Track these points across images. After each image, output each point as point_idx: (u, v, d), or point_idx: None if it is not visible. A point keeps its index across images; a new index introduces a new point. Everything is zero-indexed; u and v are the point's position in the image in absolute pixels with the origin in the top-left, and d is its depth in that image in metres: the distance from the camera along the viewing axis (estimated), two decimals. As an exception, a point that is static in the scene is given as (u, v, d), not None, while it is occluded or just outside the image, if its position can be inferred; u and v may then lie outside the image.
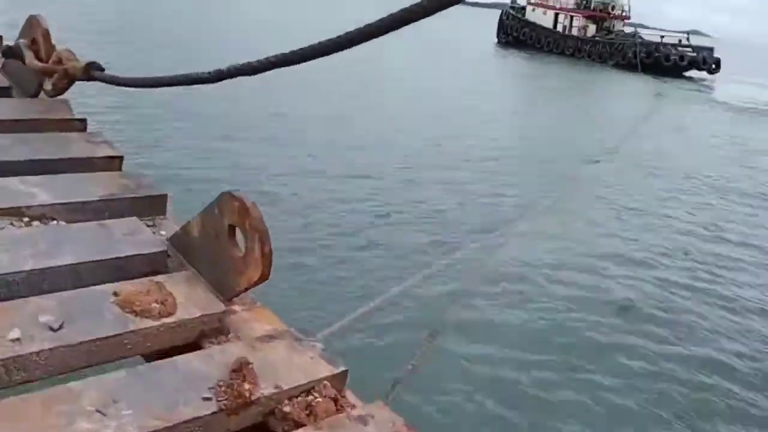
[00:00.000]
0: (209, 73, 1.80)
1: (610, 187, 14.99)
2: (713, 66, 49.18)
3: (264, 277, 1.49)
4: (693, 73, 49.31)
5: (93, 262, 1.62)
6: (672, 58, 48.05)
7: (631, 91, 38.06)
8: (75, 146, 2.26)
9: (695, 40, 54.67)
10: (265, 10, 61.44)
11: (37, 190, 1.89)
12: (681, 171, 17.49)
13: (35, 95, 2.64)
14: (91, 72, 2.45)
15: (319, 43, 1.39)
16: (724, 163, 19.43)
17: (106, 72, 2.50)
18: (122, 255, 1.67)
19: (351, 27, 1.32)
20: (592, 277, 9.61)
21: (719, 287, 9.91)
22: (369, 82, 27.63)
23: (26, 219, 1.81)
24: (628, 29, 55.59)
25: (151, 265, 1.70)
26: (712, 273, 10.48)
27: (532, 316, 8.11)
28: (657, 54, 48.15)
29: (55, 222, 1.83)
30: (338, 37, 1.33)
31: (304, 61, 1.44)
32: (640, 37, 50.78)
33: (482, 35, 69.10)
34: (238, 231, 1.54)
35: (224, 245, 1.58)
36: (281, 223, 9.40)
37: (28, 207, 1.82)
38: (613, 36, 52.78)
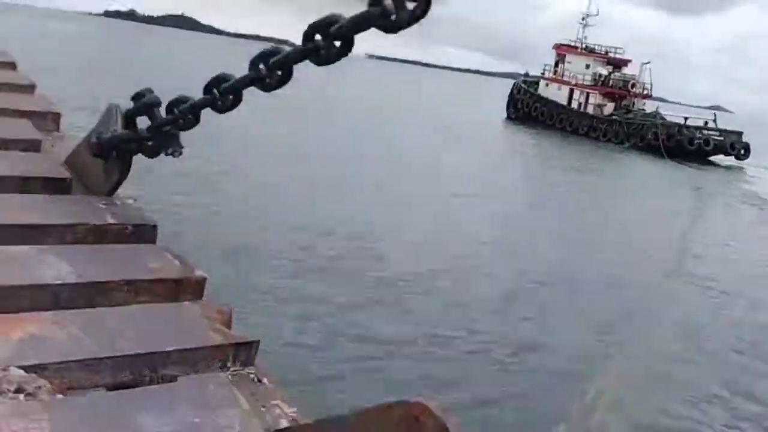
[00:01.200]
0: None
1: (699, 325, 12.01)
2: (742, 151, 44.73)
3: None
4: (719, 157, 44.96)
5: None
6: (696, 141, 43.71)
7: (665, 183, 33.04)
8: None
9: (717, 117, 50.16)
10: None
11: None
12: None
13: None
14: None
15: None
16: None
17: None
18: None
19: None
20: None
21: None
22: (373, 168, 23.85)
23: None
24: (650, 107, 51.54)
25: None
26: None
27: None
28: (680, 137, 43.88)
29: None
30: None
31: None
32: (662, 118, 46.72)
33: (490, 108, 65.70)
34: None
35: None
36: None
37: None
38: (632, 115, 48.70)
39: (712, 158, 44.88)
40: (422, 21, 1.57)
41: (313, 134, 29.79)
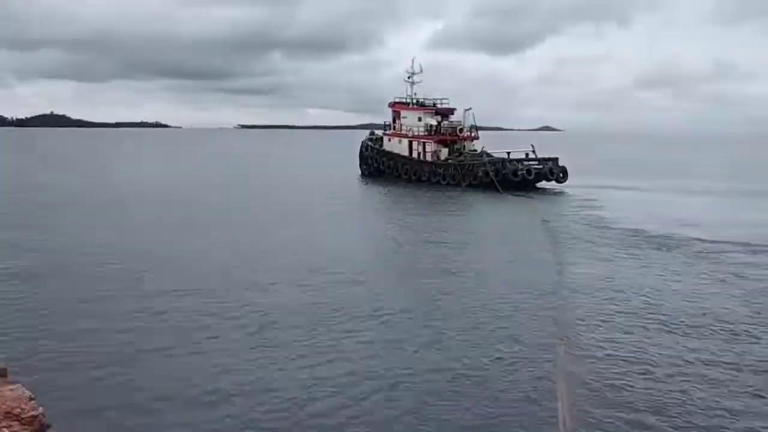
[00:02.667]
0: None
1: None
2: (561, 175, 50.68)
3: None
4: (543, 183, 50.73)
5: None
6: (519, 173, 49.16)
7: (513, 219, 35.50)
8: None
9: (546, 135, 56.07)
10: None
11: None
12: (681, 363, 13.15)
13: None
14: None
15: None
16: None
17: None
18: None
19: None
20: None
21: None
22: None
23: None
24: (479, 148, 56.89)
25: None
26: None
27: None
28: (504, 171, 49.22)
29: None
30: None
31: None
32: (489, 155, 52.12)
33: (347, 165, 69.90)
34: None
35: None
36: None
37: None
38: (463, 157, 53.95)
39: (539, 184, 50.62)
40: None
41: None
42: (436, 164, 54.62)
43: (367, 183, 57.25)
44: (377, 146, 61.72)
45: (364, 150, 63.25)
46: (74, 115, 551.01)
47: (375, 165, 60.94)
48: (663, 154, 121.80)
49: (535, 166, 50.56)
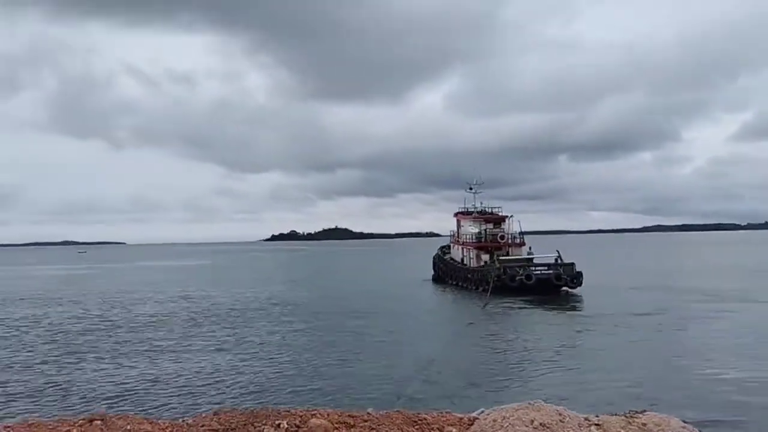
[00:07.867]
0: None
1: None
2: (572, 281, 49.32)
3: None
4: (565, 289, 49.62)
5: None
6: (518, 279, 49.18)
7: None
8: None
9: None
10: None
11: None
12: None
13: None
14: None
15: None
16: None
17: None
18: None
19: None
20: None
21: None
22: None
23: None
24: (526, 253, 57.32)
25: None
26: None
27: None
28: (504, 276, 49.84)
29: None
30: None
31: None
32: (501, 262, 52.76)
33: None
34: None
35: None
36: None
37: None
38: (485, 264, 55.38)
39: (564, 289, 49.65)
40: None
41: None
42: (469, 269, 56.85)
43: (434, 286, 61.62)
44: (442, 253, 65.99)
45: (435, 259, 67.86)
46: (356, 228, 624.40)
47: (440, 272, 65.08)
48: None
49: (543, 272, 49.97)
